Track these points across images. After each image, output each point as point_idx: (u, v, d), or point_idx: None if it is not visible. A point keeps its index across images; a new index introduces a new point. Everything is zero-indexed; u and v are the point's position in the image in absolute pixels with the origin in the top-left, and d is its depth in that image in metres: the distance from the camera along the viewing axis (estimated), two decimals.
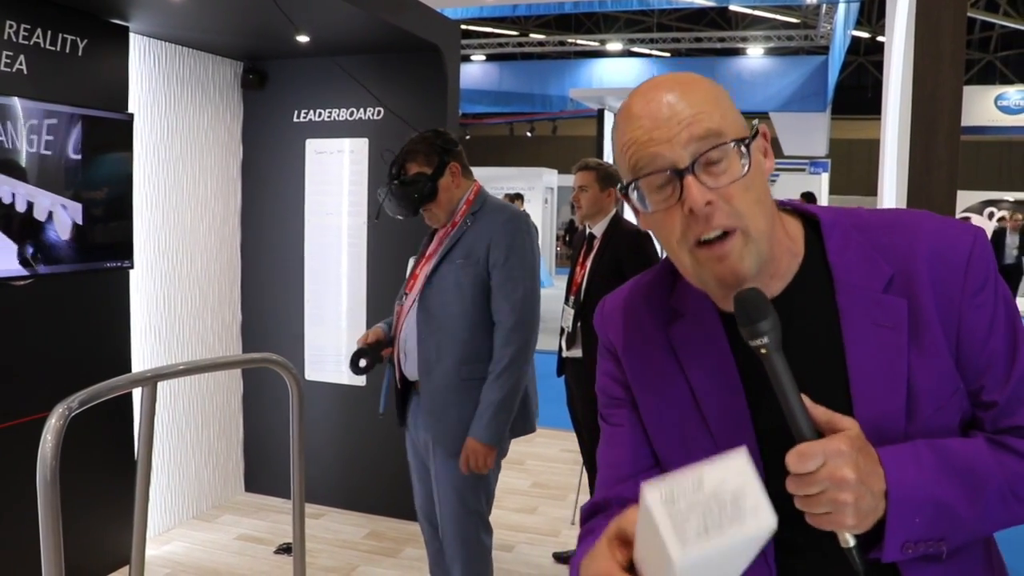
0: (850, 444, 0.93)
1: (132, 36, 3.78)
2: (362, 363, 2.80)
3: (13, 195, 3.07)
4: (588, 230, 3.84)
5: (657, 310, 1.16)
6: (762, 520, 0.70)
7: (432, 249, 2.83)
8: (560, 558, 3.93)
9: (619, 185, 1.07)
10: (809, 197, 11.46)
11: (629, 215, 3.73)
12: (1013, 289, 12.52)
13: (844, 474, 0.91)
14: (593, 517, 1.19)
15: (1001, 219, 14.55)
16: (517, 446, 5.58)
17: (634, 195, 1.04)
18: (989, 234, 14.21)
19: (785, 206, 1.14)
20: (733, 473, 0.72)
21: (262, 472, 4.67)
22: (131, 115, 3.64)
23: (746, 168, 0.99)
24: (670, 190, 1.00)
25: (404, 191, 2.72)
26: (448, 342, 2.71)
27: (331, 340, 4.44)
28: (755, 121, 1.06)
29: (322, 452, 4.44)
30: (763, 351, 0.94)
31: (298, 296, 4.52)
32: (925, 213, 1.09)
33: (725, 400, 1.09)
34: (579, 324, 3.75)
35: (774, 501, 0.83)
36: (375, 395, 3.12)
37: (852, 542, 0.94)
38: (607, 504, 1.17)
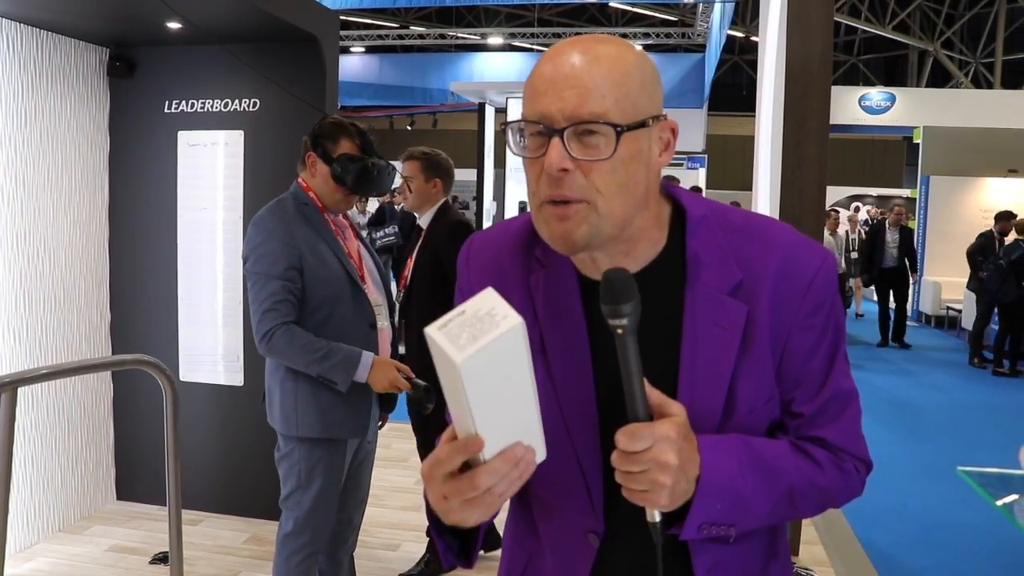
0: (677, 431, 0.99)
1: None
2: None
3: None
4: (417, 222, 3.66)
5: (522, 257, 1.20)
6: (510, 321, 0.86)
7: (350, 235, 2.79)
8: None
9: (505, 122, 1.10)
10: (696, 191, 11.71)
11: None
12: (904, 294, 11.15)
13: (668, 459, 0.98)
14: None
15: (883, 213, 13.38)
16: (400, 443, 5.56)
17: (516, 135, 1.07)
18: (864, 225, 13.43)
19: (665, 190, 1.18)
20: (484, 299, 0.89)
21: (135, 479, 4.46)
22: None
23: (610, 153, 1.02)
24: (542, 142, 1.03)
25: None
26: None
27: (207, 339, 4.27)
28: (664, 114, 1.08)
29: (198, 455, 4.28)
30: (619, 331, 0.96)
31: (171, 294, 4.32)
32: (787, 229, 1.16)
33: (571, 355, 1.14)
34: (403, 321, 3.48)
35: (605, 456, 1.06)
36: (253, 395, 3.02)
37: (658, 518, 1.02)
38: None
